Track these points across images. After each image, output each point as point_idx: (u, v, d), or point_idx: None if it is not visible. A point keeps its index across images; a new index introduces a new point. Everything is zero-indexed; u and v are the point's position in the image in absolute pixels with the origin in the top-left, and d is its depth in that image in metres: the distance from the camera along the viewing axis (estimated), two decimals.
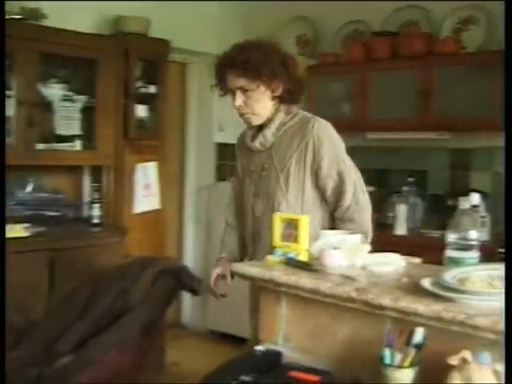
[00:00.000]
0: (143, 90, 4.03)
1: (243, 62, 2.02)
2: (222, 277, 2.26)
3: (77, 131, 3.75)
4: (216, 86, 2.17)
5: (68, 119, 3.72)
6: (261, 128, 2.16)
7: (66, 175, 3.94)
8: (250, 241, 2.23)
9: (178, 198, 4.87)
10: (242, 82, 2.04)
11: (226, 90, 2.13)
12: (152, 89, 4.07)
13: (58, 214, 3.76)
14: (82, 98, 3.75)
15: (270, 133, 2.13)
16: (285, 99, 2.12)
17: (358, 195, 2.08)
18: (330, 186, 2.07)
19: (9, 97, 3.28)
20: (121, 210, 3.96)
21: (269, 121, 2.13)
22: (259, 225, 2.15)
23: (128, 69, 3.87)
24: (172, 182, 4.66)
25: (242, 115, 2.13)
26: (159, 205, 4.18)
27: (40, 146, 3.52)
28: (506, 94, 1.56)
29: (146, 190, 4.10)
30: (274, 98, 2.10)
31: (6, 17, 3.12)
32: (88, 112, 3.78)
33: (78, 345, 2.55)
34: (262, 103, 2.09)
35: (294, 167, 2.09)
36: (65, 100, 3.68)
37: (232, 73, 2.06)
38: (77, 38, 3.56)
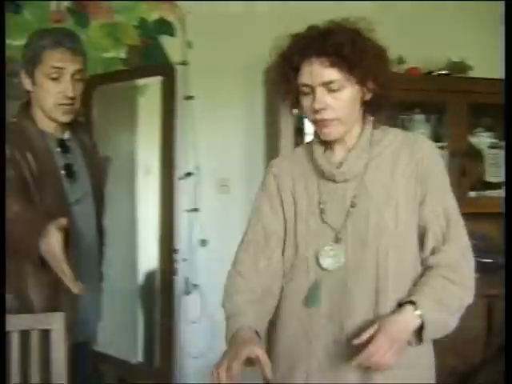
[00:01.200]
0: None
1: (335, 46, 1.44)
2: (250, 364, 1.37)
3: (504, 178, 3.70)
4: (282, 86, 1.54)
5: (496, 166, 3.73)
6: (329, 145, 1.59)
7: (493, 221, 3.91)
8: (307, 321, 1.55)
9: None
10: (331, 74, 1.45)
11: (295, 89, 1.51)
12: None
13: (489, 260, 3.75)
14: None
15: (363, 154, 1.55)
16: (372, 107, 1.57)
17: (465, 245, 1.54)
18: (433, 224, 1.52)
19: (441, 148, 3.46)
20: None
21: (353, 136, 1.57)
22: (338, 289, 1.52)
23: None
24: None
25: (319, 122, 1.51)
26: None
27: (472, 194, 3.61)
28: (506, 94, 1.50)
29: None
30: (362, 103, 1.55)
31: (437, 72, 3.37)
32: None
33: None
34: (352, 108, 1.52)
35: (405, 201, 1.52)
36: (492, 147, 3.72)
37: (315, 62, 1.46)
38: (498, 86, 3.57)
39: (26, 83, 1.98)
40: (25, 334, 1.80)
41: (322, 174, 1.57)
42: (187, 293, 3.51)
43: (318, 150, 1.58)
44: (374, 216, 1.51)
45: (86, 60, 2.01)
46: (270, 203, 1.63)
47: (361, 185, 1.53)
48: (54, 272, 1.66)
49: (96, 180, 2.16)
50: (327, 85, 1.46)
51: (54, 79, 1.92)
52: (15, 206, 1.73)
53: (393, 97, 1.55)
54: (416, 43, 3.61)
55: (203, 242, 3.55)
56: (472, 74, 3.59)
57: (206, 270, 3.48)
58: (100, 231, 2.20)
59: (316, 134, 1.60)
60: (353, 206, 1.53)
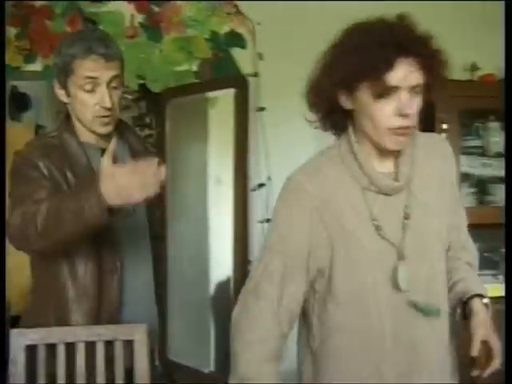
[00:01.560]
0: None
1: (422, 46, 1.33)
2: None
3: None
4: (373, 85, 1.35)
5: None
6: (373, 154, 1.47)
7: None
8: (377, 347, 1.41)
9: None
10: (419, 78, 1.35)
11: (382, 87, 1.35)
12: None
13: None
14: None
15: (409, 160, 1.46)
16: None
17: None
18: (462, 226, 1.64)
19: None
20: None
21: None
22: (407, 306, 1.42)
23: None
24: None
25: (396, 130, 1.37)
26: None
27: None
28: (506, 96, 1.51)
29: None
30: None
31: None
32: None
33: None
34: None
35: (447, 203, 1.50)
36: None
37: (406, 62, 1.32)
38: None
39: (61, 94, 1.87)
40: (109, 345, 1.84)
41: (371, 187, 1.41)
42: None
43: (368, 160, 1.41)
44: (427, 225, 1.44)
45: (123, 63, 1.87)
46: (305, 225, 1.42)
47: (410, 194, 1.43)
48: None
49: None
50: (413, 89, 1.34)
51: (88, 91, 1.78)
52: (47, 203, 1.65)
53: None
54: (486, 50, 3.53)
55: None
56: None
57: None
58: (155, 241, 2.11)
59: (362, 143, 1.44)
60: (406, 217, 1.41)
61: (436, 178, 1.47)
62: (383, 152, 1.42)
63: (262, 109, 3.48)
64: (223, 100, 3.34)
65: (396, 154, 1.43)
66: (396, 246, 1.39)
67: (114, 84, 1.80)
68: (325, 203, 1.41)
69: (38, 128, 5.58)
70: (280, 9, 3.57)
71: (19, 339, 1.77)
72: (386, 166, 1.44)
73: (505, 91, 1.54)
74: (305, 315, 1.50)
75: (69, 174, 1.82)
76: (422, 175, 1.46)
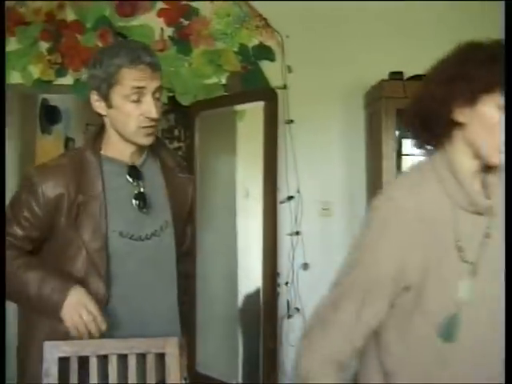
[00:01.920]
0: None
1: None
2: None
3: None
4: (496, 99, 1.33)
5: None
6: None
7: None
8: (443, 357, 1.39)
9: None
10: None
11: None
12: None
13: None
14: None
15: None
16: None
17: None
18: None
19: None
20: None
21: None
22: (476, 323, 1.39)
23: None
24: None
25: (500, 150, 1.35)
26: None
27: None
28: (506, 97, 1.37)
29: None
30: None
31: None
32: None
33: None
34: None
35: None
36: None
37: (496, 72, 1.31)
38: None
39: (98, 107, 1.79)
40: (140, 357, 1.83)
41: (469, 207, 1.37)
42: (289, 316, 3.50)
43: (467, 179, 1.37)
44: (500, 241, 1.37)
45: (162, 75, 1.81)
46: (401, 245, 1.36)
47: (489, 211, 1.38)
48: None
49: (178, 205, 1.92)
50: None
51: (134, 101, 1.72)
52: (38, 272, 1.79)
53: None
54: None
55: (305, 266, 3.55)
56: None
57: (307, 293, 3.45)
58: (184, 256, 2.04)
59: (461, 160, 1.39)
60: (488, 236, 1.37)
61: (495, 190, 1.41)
62: (481, 169, 1.39)
63: (290, 121, 3.48)
64: (252, 113, 3.34)
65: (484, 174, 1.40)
66: (471, 264, 1.36)
67: (157, 95, 1.75)
68: (423, 221, 1.36)
69: (68, 140, 5.65)
70: (309, 21, 3.58)
71: (52, 351, 1.77)
72: (475, 184, 1.40)
73: (505, 91, 1.50)
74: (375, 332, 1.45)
75: (80, 197, 1.78)
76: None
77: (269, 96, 3.19)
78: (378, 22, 3.59)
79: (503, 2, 1.64)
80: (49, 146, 5.00)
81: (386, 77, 3.35)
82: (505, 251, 1.36)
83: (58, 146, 5.44)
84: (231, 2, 3.56)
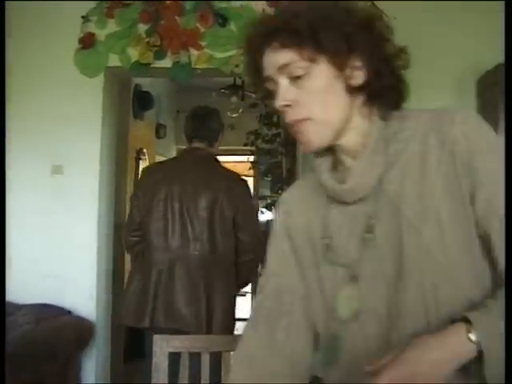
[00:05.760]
0: None
1: (285, 21, 1.04)
2: None
3: None
4: (254, 84, 1.16)
5: None
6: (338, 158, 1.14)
7: None
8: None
9: None
10: (285, 56, 1.05)
11: (262, 83, 1.12)
12: None
13: None
14: None
15: (376, 158, 1.07)
16: (372, 93, 1.08)
17: None
18: (494, 231, 0.98)
19: None
20: None
21: (357, 139, 1.10)
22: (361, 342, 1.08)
23: None
24: None
25: (291, 128, 1.09)
26: None
27: None
28: (506, 98, 1.25)
29: None
30: (351, 90, 1.07)
31: None
32: None
33: None
34: (332, 100, 1.06)
35: (450, 207, 1.01)
36: None
37: (268, 47, 1.06)
38: None
39: None
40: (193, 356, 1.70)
41: (330, 196, 1.13)
42: None
43: (323, 164, 1.13)
44: (409, 238, 1.02)
45: None
46: (281, 252, 1.22)
47: (381, 201, 1.06)
48: None
49: None
50: (285, 71, 1.05)
51: None
52: None
53: (399, 75, 1.10)
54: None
55: None
56: None
57: None
58: None
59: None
60: (369, 231, 1.07)
61: (432, 175, 1.04)
62: (338, 154, 1.13)
63: None
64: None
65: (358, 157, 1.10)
66: (346, 266, 1.10)
67: None
68: (299, 223, 1.20)
69: (159, 127, 5.62)
70: (419, 3, 3.35)
71: (162, 345, 1.66)
72: (351, 171, 1.11)
73: (505, 92, 1.34)
74: None
75: None
76: (406, 174, 1.06)
77: None
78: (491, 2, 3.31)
79: (503, 2, 1.62)
80: (141, 132, 4.98)
81: (503, 61, 3.07)
82: (505, 251, 0.98)
83: (150, 132, 5.43)
84: None
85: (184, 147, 3.11)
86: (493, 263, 0.99)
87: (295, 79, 1.05)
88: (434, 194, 1.02)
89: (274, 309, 1.19)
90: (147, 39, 3.45)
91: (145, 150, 5.20)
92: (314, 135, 1.06)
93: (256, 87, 1.16)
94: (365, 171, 1.07)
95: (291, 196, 1.26)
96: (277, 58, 1.05)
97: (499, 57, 3.03)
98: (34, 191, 3.50)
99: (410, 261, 1.01)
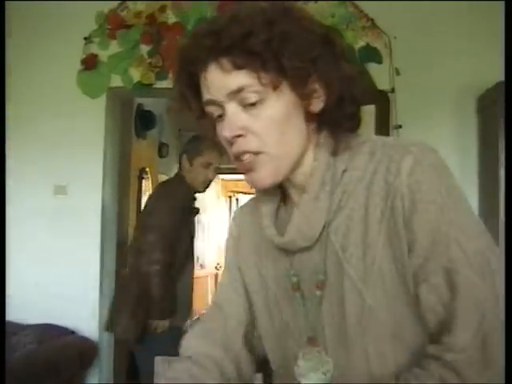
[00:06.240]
0: None
1: (239, 38, 0.87)
2: None
3: None
4: (179, 101, 0.99)
5: None
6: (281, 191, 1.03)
7: None
8: None
9: None
10: (239, 79, 0.89)
11: (199, 104, 0.95)
12: None
13: None
14: None
15: (321, 200, 0.93)
16: (329, 121, 0.94)
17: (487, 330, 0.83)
18: (429, 296, 0.87)
19: None
20: None
21: (306, 172, 0.96)
22: None
23: None
24: None
25: (238, 162, 0.93)
26: None
27: None
28: (506, 98, 1.37)
29: None
30: (309, 117, 0.94)
31: None
32: None
33: None
34: (290, 129, 0.92)
35: (392, 268, 0.89)
36: None
37: (214, 66, 0.90)
38: None
39: (185, 165, 2.96)
40: None
41: (273, 243, 1.01)
42: None
43: (267, 204, 1.01)
44: (352, 298, 0.91)
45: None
46: (230, 275, 1.12)
47: (328, 251, 0.94)
48: None
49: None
50: (237, 97, 0.89)
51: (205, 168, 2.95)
52: None
53: (359, 101, 0.96)
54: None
55: None
56: None
57: None
58: None
59: None
60: (319, 287, 0.94)
61: (374, 223, 0.90)
62: (284, 189, 1.01)
63: (399, 126, 3.28)
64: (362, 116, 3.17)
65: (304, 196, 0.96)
66: (307, 324, 0.97)
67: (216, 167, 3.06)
68: (246, 249, 1.09)
69: (161, 146, 5.64)
70: (417, 21, 3.39)
71: (164, 366, 1.67)
72: (293, 217, 0.98)
73: (505, 94, 1.33)
74: None
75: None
76: (352, 219, 0.92)
77: (380, 99, 3.01)
78: (493, 19, 3.34)
79: (503, 2, 1.61)
80: (143, 151, 5.00)
81: (502, 79, 3.09)
82: (505, 250, 0.97)
83: (152, 151, 5.45)
84: (336, 1, 3.41)
85: None
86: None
87: (248, 105, 0.90)
88: (376, 251, 0.90)
89: (219, 330, 1.10)
90: (149, 60, 3.49)
91: (147, 169, 5.22)
92: (268, 171, 0.92)
93: (188, 106, 0.98)
94: (306, 221, 0.94)
95: (244, 213, 1.14)
96: (227, 81, 0.89)
97: (499, 75, 3.07)
98: (36, 211, 3.51)
99: (352, 325, 0.91)
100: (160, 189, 3.13)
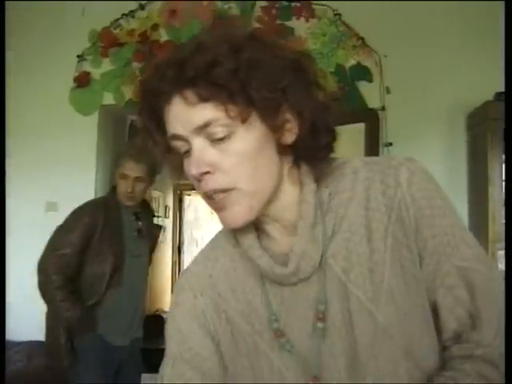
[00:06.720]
0: None
1: (203, 68, 0.81)
2: None
3: None
4: (143, 136, 0.92)
5: None
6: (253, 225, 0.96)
7: None
8: None
9: None
10: (208, 113, 0.83)
11: (164, 138, 0.89)
12: None
13: None
14: None
15: (312, 236, 0.90)
16: (304, 152, 0.91)
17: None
18: (447, 299, 0.88)
19: None
20: None
21: (286, 206, 0.92)
22: None
23: None
24: None
25: (208, 200, 0.89)
26: None
27: None
28: (506, 96, 1.21)
29: None
30: (282, 149, 0.90)
31: None
32: None
33: None
34: (260, 161, 0.87)
35: (402, 283, 0.88)
36: None
37: (178, 99, 0.85)
38: None
39: (115, 177, 2.82)
40: None
41: (264, 274, 0.94)
42: None
43: (247, 236, 0.94)
44: (362, 319, 0.87)
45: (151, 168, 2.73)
46: (199, 329, 0.98)
47: (327, 278, 0.90)
48: None
49: (150, 243, 3.01)
50: (204, 132, 0.84)
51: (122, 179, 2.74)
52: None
53: (332, 129, 0.92)
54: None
55: None
56: None
57: None
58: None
59: None
60: (321, 318, 0.89)
61: (377, 240, 0.89)
62: (262, 224, 0.95)
63: (389, 144, 3.31)
64: (351, 134, 3.19)
65: (291, 225, 0.93)
66: (304, 361, 0.90)
67: (139, 180, 2.76)
68: (213, 302, 0.98)
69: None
70: (407, 40, 3.42)
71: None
72: (280, 243, 0.94)
73: (505, 93, 1.36)
74: None
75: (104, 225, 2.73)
76: (350, 242, 0.90)
77: (369, 117, 3.04)
78: (482, 39, 3.38)
79: (503, 2, 1.61)
80: None
81: (491, 98, 3.13)
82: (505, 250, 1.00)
83: None
84: (327, 21, 3.45)
85: (180, 182, 3.14)
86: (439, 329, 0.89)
87: (216, 140, 0.84)
88: (384, 269, 0.87)
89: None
90: (141, 78, 3.50)
91: None
92: (241, 209, 0.86)
93: (153, 140, 0.90)
94: (307, 249, 0.89)
95: (198, 268, 1.02)
96: (192, 115, 0.83)
97: (488, 94, 3.11)
98: (28, 228, 3.51)
99: (365, 348, 0.86)
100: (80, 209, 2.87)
